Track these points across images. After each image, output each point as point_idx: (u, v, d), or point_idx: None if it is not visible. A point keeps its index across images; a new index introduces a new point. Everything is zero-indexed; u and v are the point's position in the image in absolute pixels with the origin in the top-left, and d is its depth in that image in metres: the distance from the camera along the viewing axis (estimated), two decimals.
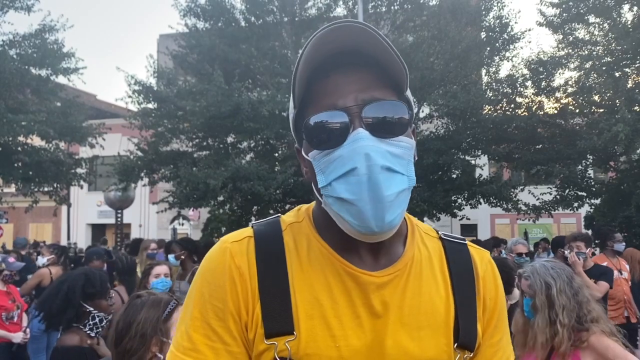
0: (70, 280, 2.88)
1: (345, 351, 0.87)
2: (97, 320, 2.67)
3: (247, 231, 0.97)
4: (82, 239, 26.39)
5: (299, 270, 0.91)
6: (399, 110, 0.89)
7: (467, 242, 1.05)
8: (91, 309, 2.70)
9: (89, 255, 6.37)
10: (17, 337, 4.99)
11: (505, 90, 13.65)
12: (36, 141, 14.03)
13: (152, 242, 7.02)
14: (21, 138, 13.29)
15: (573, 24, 13.51)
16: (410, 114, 0.92)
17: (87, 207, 27.92)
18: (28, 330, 5.18)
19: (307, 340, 0.87)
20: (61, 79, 14.62)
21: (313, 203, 1.01)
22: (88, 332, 2.65)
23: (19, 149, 13.66)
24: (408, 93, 0.95)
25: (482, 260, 1.02)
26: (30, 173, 14.04)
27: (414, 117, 0.93)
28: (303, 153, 0.95)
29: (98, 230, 28.93)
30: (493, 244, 8.29)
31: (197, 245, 5.78)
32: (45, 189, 14.92)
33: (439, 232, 1.05)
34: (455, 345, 0.93)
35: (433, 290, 0.95)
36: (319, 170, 0.89)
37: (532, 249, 13.58)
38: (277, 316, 0.88)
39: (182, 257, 5.44)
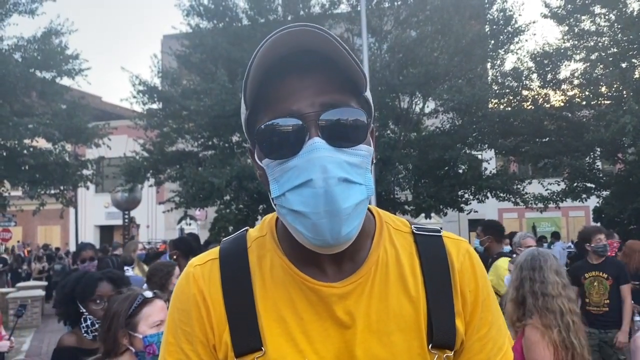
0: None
1: None
2: (88, 322, 2.68)
3: (213, 252, 0.98)
4: (90, 241, 26.53)
5: (262, 289, 0.91)
6: (357, 117, 0.85)
7: (442, 233, 1.00)
8: (84, 310, 2.70)
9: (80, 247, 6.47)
10: (4, 346, 4.96)
11: (510, 84, 13.57)
12: (41, 143, 14.10)
13: (138, 243, 6.97)
14: (27, 141, 13.36)
15: (578, 15, 13.39)
16: (369, 119, 0.89)
17: (94, 209, 28.05)
18: (13, 338, 5.14)
19: (275, 358, 0.87)
20: (66, 81, 14.70)
21: (276, 215, 0.98)
22: (84, 334, 2.66)
23: (25, 151, 13.73)
24: (367, 93, 0.91)
25: (458, 251, 0.98)
26: (37, 176, 14.12)
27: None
28: (256, 157, 0.91)
29: (106, 232, 29.07)
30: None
31: (191, 244, 5.73)
32: (52, 192, 14.99)
33: (412, 226, 1.00)
34: (430, 346, 0.90)
35: (402, 293, 0.92)
36: (272, 179, 0.86)
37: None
38: (245, 335, 0.89)
39: (175, 257, 5.44)
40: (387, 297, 0.91)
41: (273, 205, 0.88)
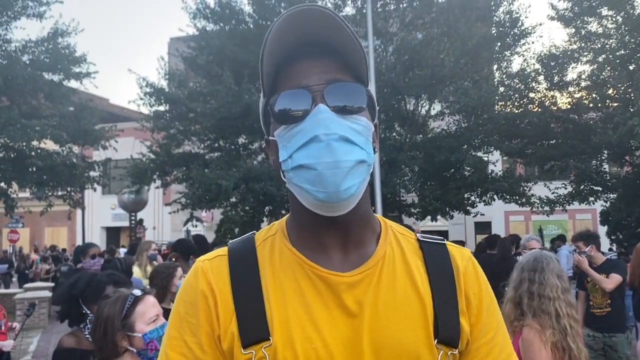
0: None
1: (322, 352, 0.89)
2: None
3: (222, 250, 1.01)
4: (97, 243, 26.62)
5: (271, 278, 0.94)
6: (358, 93, 0.93)
7: (446, 242, 1.04)
8: (87, 311, 2.71)
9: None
10: (8, 345, 4.97)
11: (517, 86, 13.54)
12: (49, 145, 14.19)
13: (152, 243, 6.91)
14: (34, 142, 13.46)
15: (585, 17, 13.35)
16: (370, 103, 0.96)
17: (101, 211, 28.20)
18: (22, 330, 5.14)
19: (283, 345, 0.89)
20: (73, 84, 14.81)
21: (287, 216, 1.04)
22: (87, 335, 2.67)
23: (32, 153, 13.83)
24: (370, 88, 0.98)
25: (462, 256, 1.01)
26: (44, 177, 14.20)
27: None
28: (270, 136, 0.98)
29: (113, 233, 29.20)
30: (512, 241, 7.93)
31: (190, 245, 5.73)
32: (59, 193, 15.08)
33: (417, 234, 1.04)
34: (436, 340, 0.92)
35: (408, 286, 0.94)
36: (282, 146, 0.93)
37: (547, 245, 13.46)
38: (252, 326, 0.90)
39: (174, 259, 5.43)
40: (394, 288, 0.93)
41: (282, 176, 0.94)
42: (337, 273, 0.92)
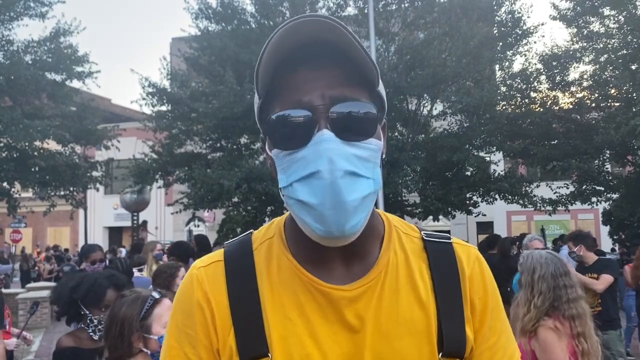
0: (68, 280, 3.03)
1: None
2: (95, 322, 2.69)
3: (218, 254, 0.96)
4: (99, 242, 26.68)
5: (269, 291, 0.90)
6: (366, 110, 0.85)
7: (452, 240, 0.99)
8: (87, 311, 2.73)
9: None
10: (11, 344, 5.00)
11: (519, 86, 13.53)
12: (52, 145, 14.22)
13: (157, 243, 6.98)
14: (37, 142, 13.49)
15: (587, 17, 13.33)
16: (380, 113, 0.89)
17: (103, 211, 28.24)
18: (26, 333, 5.18)
19: None
20: (76, 83, 14.85)
21: (286, 214, 0.98)
22: (91, 333, 2.68)
23: (35, 153, 13.86)
24: (380, 88, 0.90)
25: (468, 258, 0.96)
26: (47, 177, 14.24)
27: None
28: (267, 147, 0.91)
29: (115, 233, 29.25)
30: (512, 241, 7.88)
31: (188, 248, 5.77)
32: (62, 193, 15.12)
33: (422, 232, 0.99)
34: (441, 354, 0.88)
35: (412, 297, 0.90)
36: (281, 169, 0.86)
37: (549, 245, 13.44)
38: (251, 340, 0.87)
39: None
40: (397, 301, 0.90)
41: (281, 195, 0.88)
42: (338, 287, 0.88)
